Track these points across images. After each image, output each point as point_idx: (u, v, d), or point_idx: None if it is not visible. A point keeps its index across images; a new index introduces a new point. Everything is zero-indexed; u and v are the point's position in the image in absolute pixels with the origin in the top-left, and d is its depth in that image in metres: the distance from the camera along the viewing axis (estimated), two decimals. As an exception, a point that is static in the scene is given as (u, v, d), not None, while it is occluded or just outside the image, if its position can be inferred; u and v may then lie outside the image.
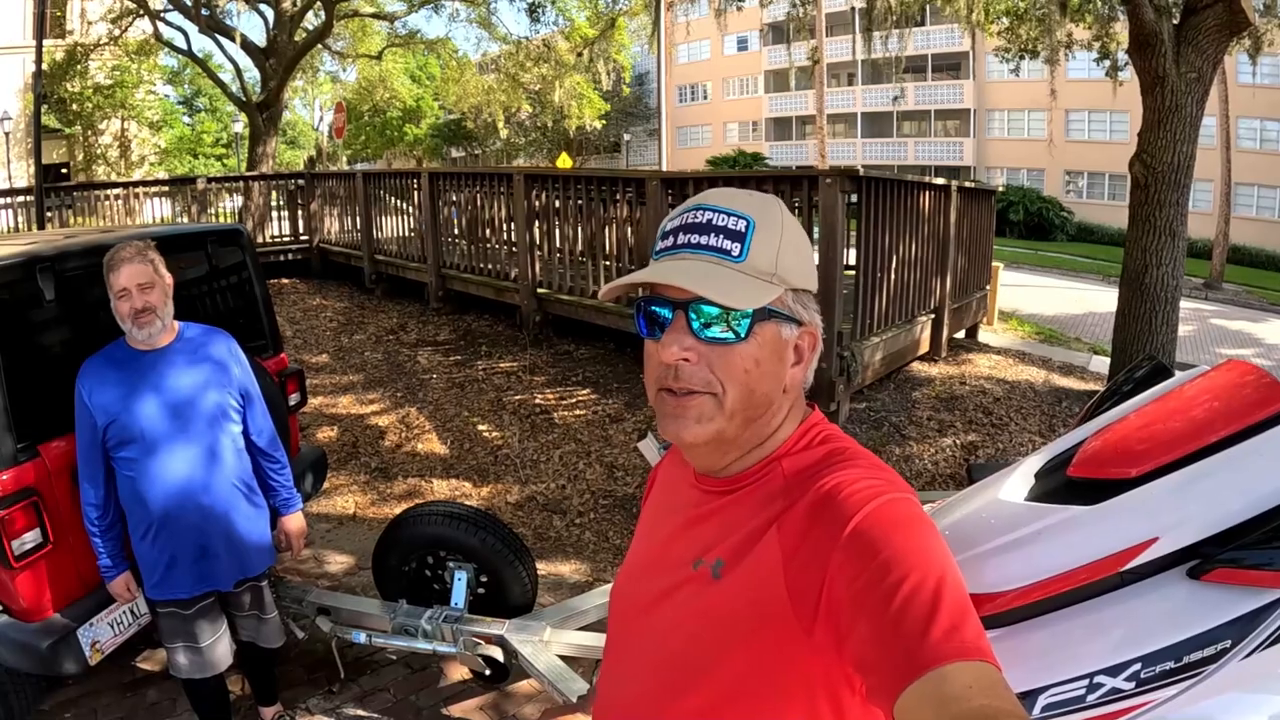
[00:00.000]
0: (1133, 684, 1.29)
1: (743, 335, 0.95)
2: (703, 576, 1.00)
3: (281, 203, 13.00)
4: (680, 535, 1.07)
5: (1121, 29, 12.36)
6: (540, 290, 8.09)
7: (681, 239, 0.97)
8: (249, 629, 2.95)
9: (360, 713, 3.32)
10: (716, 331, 0.94)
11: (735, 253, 0.95)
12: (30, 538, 2.68)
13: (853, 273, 5.95)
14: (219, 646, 2.82)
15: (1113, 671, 1.30)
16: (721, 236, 0.95)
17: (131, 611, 2.95)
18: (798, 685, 0.92)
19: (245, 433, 2.86)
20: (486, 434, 6.45)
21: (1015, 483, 1.62)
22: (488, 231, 9.12)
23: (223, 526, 2.72)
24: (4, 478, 2.65)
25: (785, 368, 1.00)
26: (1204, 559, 1.33)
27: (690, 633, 0.99)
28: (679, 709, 1.00)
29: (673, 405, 0.97)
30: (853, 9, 32.31)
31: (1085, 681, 1.31)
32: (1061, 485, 1.55)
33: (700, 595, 0.99)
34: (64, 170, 24.76)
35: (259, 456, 2.91)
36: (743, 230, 0.95)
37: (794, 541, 0.92)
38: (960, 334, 8.42)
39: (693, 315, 0.94)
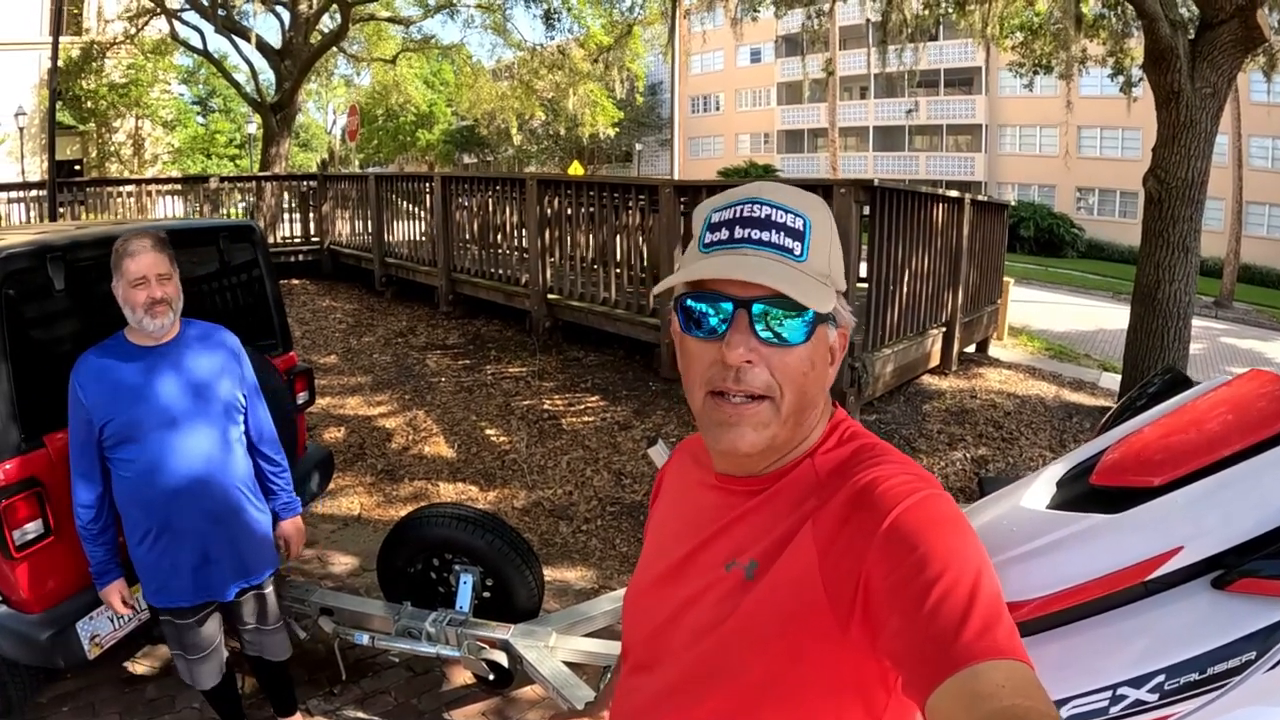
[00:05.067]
0: (1156, 696, 1.26)
1: (805, 338, 0.92)
2: (735, 578, 0.97)
3: (294, 204, 13.05)
4: (708, 538, 1.04)
5: (1136, 44, 12.34)
6: (551, 296, 8.08)
7: (739, 233, 0.92)
8: (253, 643, 2.86)
9: (361, 715, 3.29)
10: (784, 333, 0.91)
11: (797, 252, 0.91)
12: (32, 528, 2.65)
13: (865, 284, 5.93)
14: (213, 659, 2.74)
15: (1136, 683, 1.27)
16: (783, 234, 0.92)
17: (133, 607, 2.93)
18: (829, 685, 0.91)
19: (247, 433, 2.76)
20: (494, 438, 6.43)
21: (1038, 490, 1.60)
22: (499, 236, 9.13)
23: (227, 531, 2.62)
24: (7, 467, 2.63)
25: (830, 369, 0.98)
26: (1228, 569, 1.30)
27: (723, 635, 0.97)
28: (707, 710, 0.98)
29: (730, 413, 0.93)
30: (867, 22, 32.31)
31: (1109, 693, 1.28)
32: (1084, 493, 1.53)
33: (733, 597, 0.97)
34: (77, 166, 24.87)
35: (260, 459, 2.80)
36: (801, 229, 0.92)
37: (829, 537, 0.90)
38: (971, 348, 8.39)
39: (758, 316, 0.90)
